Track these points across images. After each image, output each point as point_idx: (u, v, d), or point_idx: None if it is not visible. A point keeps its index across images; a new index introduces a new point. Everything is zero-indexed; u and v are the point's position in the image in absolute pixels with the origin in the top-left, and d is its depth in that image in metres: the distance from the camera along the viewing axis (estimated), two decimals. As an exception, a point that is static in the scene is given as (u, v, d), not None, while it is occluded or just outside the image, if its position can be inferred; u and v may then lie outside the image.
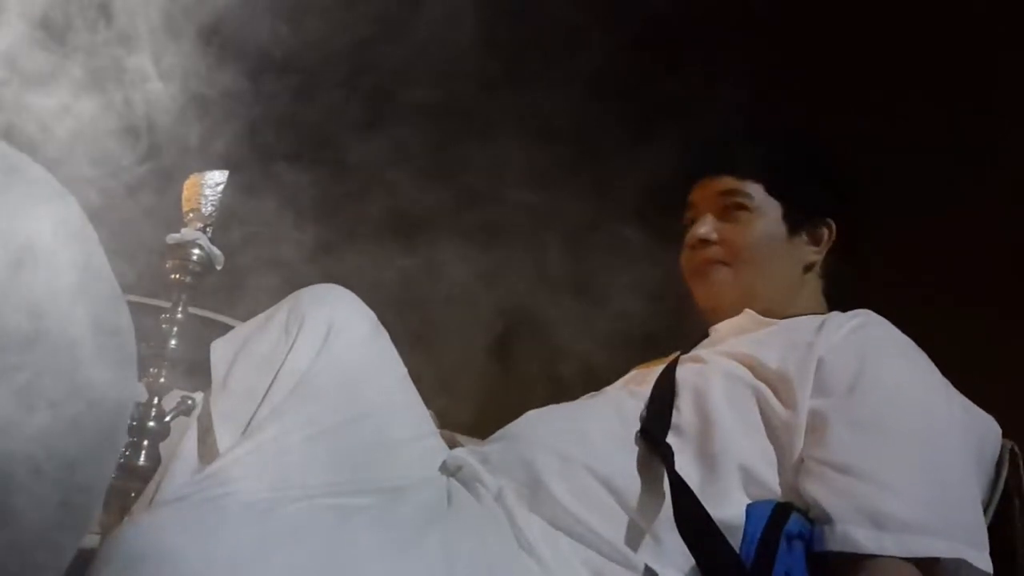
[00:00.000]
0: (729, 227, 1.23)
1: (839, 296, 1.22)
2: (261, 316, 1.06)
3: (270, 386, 0.97)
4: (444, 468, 1.02)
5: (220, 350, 1.02)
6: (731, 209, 1.23)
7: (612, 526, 0.97)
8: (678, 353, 1.20)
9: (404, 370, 1.10)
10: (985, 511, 1.06)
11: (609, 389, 1.19)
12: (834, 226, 1.24)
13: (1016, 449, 1.11)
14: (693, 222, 1.27)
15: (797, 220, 1.23)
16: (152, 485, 0.99)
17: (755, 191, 1.23)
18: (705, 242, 1.24)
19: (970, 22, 1.77)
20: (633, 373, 1.25)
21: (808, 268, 1.25)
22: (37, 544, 0.48)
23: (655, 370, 1.16)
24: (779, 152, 1.26)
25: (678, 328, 1.35)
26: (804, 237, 1.24)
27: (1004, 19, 1.70)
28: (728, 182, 1.24)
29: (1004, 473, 1.09)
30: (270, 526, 0.79)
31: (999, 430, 1.10)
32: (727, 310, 1.22)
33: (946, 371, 1.07)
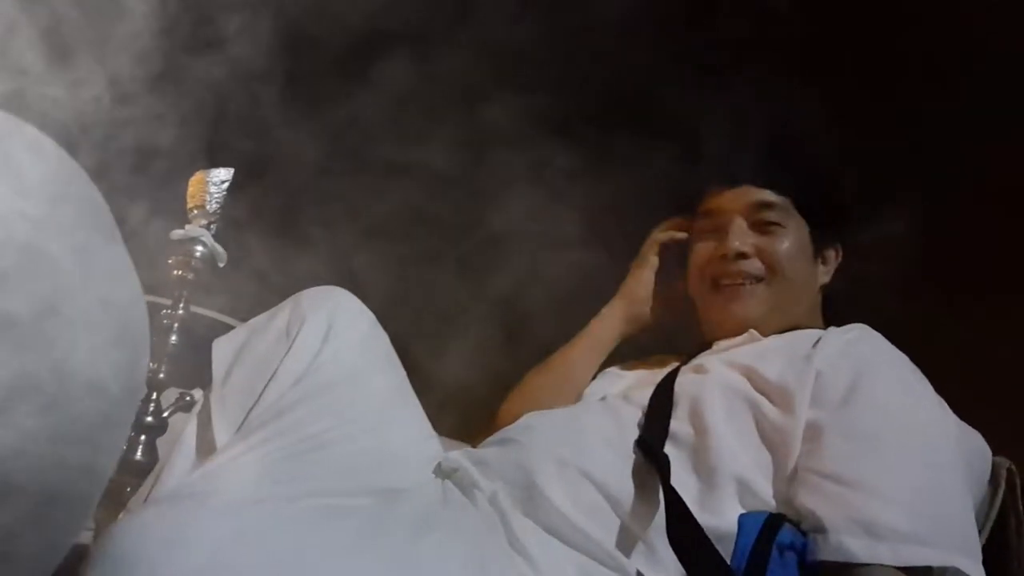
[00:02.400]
0: (765, 240, 1.21)
1: (835, 316, 1.22)
2: (263, 316, 1.07)
3: (267, 384, 0.97)
4: (440, 471, 1.02)
5: (221, 349, 1.03)
6: (765, 223, 1.22)
7: (606, 532, 0.97)
8: (679, 364, 1.20)
9: (403, 372, 1.10)
10: (981, 529, 1.07)
11: (608, 394, 1.19)
12: (840, 249, 1.25)
13: (1013, 468, 1.11)
14: (715, 230, 1.25)
15: (819, 241, 1.23)
16: (149, 480, 0.99)
17: (789, 207, 1.22)
18: (742, 255, 1.21)
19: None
20: (632, 378, 1.25)
21: (820, 289, 1.25)
22: (27, 533, 0.48)
23: (654, 374, 1.16)
24: (809, 169, 1.26)
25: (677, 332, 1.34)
26: (820, 258, 1.25)
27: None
28: (765, 195, 1.22)
29: (1001, 491, 1.10)
30: (263, 527, 0.79)
31: (988, 448, 1.11)
32: (742, 329, 1.21)
33: (938, 386, 1.08)
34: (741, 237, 1.21)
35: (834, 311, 1.24)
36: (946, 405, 1.07)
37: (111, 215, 0.54)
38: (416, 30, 1.74)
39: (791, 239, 1.21)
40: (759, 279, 1.21)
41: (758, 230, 1.22)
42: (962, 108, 1.60)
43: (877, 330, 1.14)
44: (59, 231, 0.47)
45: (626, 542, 0.97)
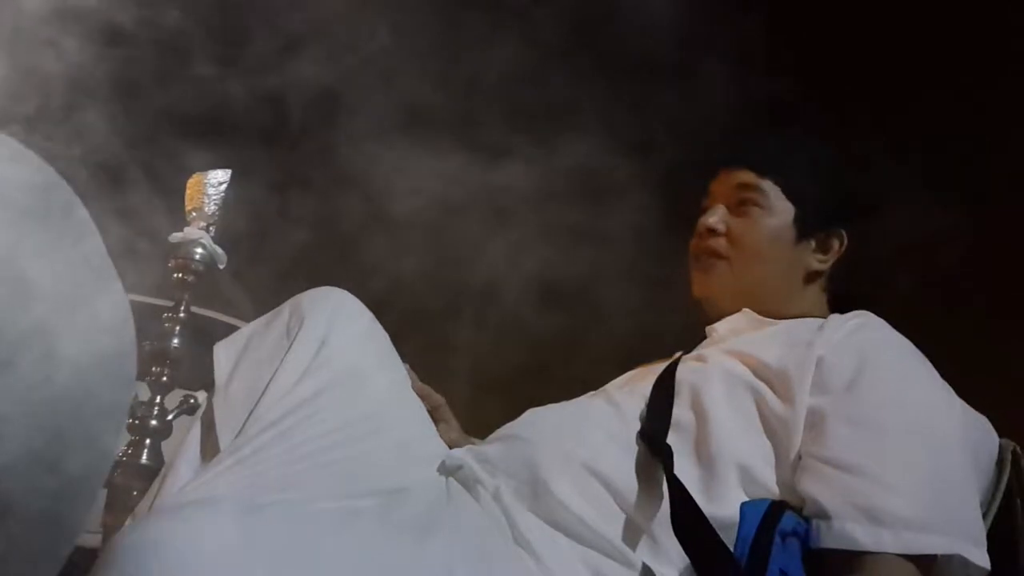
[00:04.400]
0: (738, 221, 1.23)
1: (844, 306, 1.21)
2: (264, 318, 1.07)
3: (268, 385, 0.97)
4: (443, 468, 1.02)
5: (223, 352, 1.04)
6: (744, 203, 1.23)
7: (611, 524, 0.97)
8: (680, 353, 1.19)
9: (403, 370, 1.10)
10: (987, 512, 1.07)
11: (609, 388, 1.19)
12: (845, 237, 1.23)
13: (1018, 450, 1.11)
14: (706, 210, 1.26)
15: (808, 226, 1.22)
16: (155, 484, 0.99)
17: (771, 189, 1.22)
18: (712, 232, 1.23)
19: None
20: (633, 372, 1.25)
21: (811, 276, 1.23)
22: (31, 538, 0.48)
23: (655, 369, 1.16)
24: (802, 155, 1.26)
25: (681, 327, 1.34)
26: (812, 244, 1.23)
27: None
28: (746, 176, 1.23)
29: (1006, 473, 1.09)
30: (271, 532, 0.79)
31: (994, 432, 1.11)
32: (720, 305, 1.23)
33: (942, 372, 1.07)
34: (716, 215, 1.24)
35: (851, 302, 1.22)
36: (951, 390, 1.07)
37: (88, 217, 0.54)
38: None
39: (767, 221, 1.22)
40: (724, 258, 1.23)
41: (736, 210, 1.24)
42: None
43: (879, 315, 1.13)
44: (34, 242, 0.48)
45: (631, 534, 0.97)
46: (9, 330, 0.47)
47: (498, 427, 1.13)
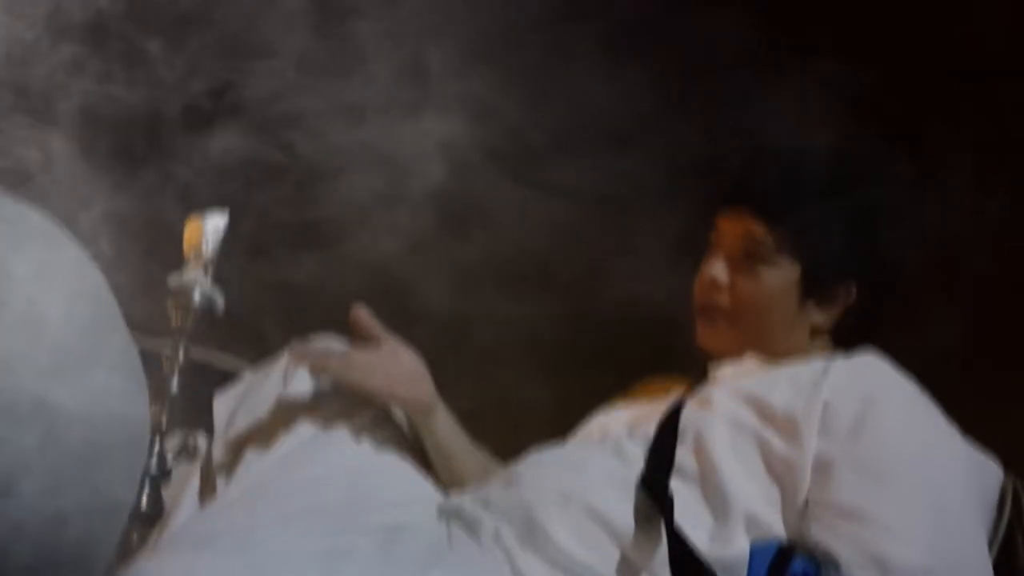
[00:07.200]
0: (741, 279, 1.18)
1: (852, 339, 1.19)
2: (263, 369, 1.12)
3: (264, 428, 1.01)
4: (442, 511, 1.03)
5: (222, 403, 1.07)
6: (750, 258, 1.18)
7: (610, 567, 0.97)
8: (683, 396, 1.18)
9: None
10: (989, 547, 1.07)
11: (611, 429, 1.18)
12: (854, 290, 1.18)
13: (1018, 484, 1.11)
14: (713, 248, 1.22)
15: (814, 285, 1.18)
16: (155, 534, 1.00)
17: (781, 248, 1.17)
18: (715, 284, 1.20)
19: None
20: (636, 411, 1.24)
21: (817, 327, 1.20)
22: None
23: (659, 406, 1.16)
24: (817, 207, 1.19)
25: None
26: (817, 299, 1.19)
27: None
28: (757, 230, 1.17)
29: (1007, 508, 1.10)
30: (269, 568, 0.80)
31: (1000, 471, 1.11)
32: (725, 356, 1.20)
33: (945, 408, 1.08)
34: (718, 267, 1.19)
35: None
36: (957, 434, 1.07)
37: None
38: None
39: (771, 279, 1.17)
40: (726, 313, 1.19)
41: (740, 263, 1.19)
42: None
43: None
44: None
45: (632, 574, 0.97)
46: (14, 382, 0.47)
47: None
